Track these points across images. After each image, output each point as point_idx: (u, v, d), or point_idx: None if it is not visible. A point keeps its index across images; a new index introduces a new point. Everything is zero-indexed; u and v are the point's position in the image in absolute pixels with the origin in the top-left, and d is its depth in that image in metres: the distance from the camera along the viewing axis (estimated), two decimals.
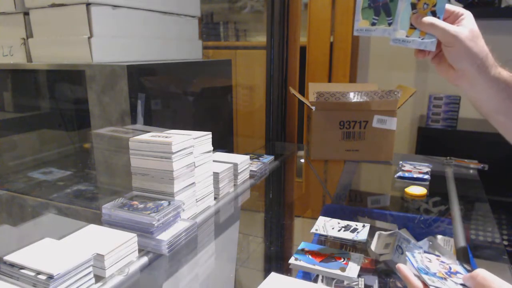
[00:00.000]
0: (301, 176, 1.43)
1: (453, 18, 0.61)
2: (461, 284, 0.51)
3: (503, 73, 0.60)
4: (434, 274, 0.54)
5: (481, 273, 0.46)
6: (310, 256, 0.70)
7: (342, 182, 1.28)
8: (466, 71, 0.60)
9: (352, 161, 1.31)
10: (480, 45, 0.59)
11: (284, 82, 1.66)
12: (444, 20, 0.61)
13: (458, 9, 0.62)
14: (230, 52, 2.38)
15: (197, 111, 1.21)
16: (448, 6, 0.61)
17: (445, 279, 0.53)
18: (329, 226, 0.81)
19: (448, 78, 0.65)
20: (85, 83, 0.93)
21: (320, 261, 0.68)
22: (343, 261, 0.68)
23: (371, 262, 0.71)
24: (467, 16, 0.61)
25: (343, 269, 0.66)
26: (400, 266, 0.53)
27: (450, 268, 0.56)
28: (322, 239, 0.81)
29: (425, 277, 0.52)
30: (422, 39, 0.62)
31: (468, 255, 0.71)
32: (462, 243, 0.76)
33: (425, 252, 0.60)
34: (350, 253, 0.71)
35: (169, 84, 1.09)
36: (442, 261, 0.58)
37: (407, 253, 0.59)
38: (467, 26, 0.59)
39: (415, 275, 0.52)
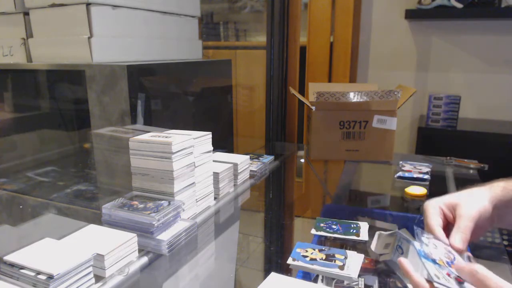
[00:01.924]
0: (301, 176, 1.43)
1: (451, 211, 0.61)
2: (458, 277, 0.51)
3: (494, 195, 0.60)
4: (433, 261, 0.53)
5: (481, 270, 0.46)
6: (307, 259, 0.70)
7: (342, 182, 1.28)
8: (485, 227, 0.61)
9: (352, 161, 1.31)
10: (486, 216, 0.58)
11: (284, 82, 1.66)
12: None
13: (448, 207, 0.61)
14: (230, 52, 2.38)
15: (197, 111, 1.21)
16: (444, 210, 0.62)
17: (442, 267, 0.52)
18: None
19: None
20: (85, 83, 0.93)
21: (320, 261, 0.68)
22: (341, 260, 0.68)
23: (371, 262, 0.71)
24: (462, 213, 0.58)
25: (341, 268, 0.66)
26: (402, 260, 0.52)
27: (454, 258, 0.56)
28: (322, 239, 0.81)
29: (423, 260, 0.51)
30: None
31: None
32: None
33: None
34: (348, 252, 0.71)
35: (169, 84, 1.09)
36: (449, 251, 0.57)
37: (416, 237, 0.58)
38: (464, 216, 0.58)
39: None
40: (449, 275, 0.53)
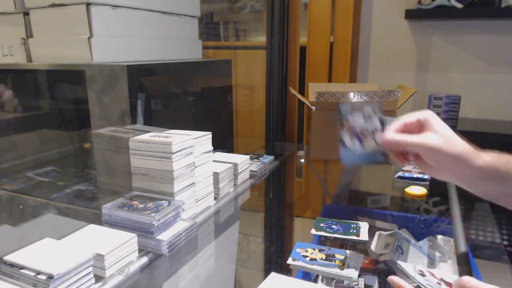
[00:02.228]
0: (301, 176, 1.43)
1: (418, 125, 0.59)
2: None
3: (486, 157, 0.57)
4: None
5: (471, 282, 0.45)
6: (307, 259, 0.70)
7: (342, 182, 1.28)
8: (449, 170, 0.58)
9: None
10: (457, 143, 0.56)
11: (284, 82, 1.66)
12: (410, 130, 0.59)
13: (420, 115, 0.59)
14: (230, 52, 2.38)
15: (197, 111, 1.21)
16: (409, 118, 0.59)
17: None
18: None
19: (433, 175, 0.62)
20: (85, 83, 0.93)
21: (319, 261, 0.68)
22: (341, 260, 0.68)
23: (371, 262, 0.71)
24: (432, 118, 0.58)
25: (341, 267, 0.66)
26: (393, 278, 0.53)
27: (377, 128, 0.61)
28: (322, 239, 0.81)
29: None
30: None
31: (468, 255, 0.71)
32: (462, 243, 0.76)
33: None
34: (348, 252, 0.71)
35: (169, 84, 1.09)
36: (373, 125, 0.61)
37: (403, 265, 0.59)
38: (436, 130, 0.57)
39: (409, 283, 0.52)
40: (433, 274, 0.54)
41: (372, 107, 0.64)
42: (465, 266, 0.62)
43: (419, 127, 0.59)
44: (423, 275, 0.58)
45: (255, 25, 2.82)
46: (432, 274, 0.59)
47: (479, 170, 0.56)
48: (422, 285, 0.53)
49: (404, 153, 0.62)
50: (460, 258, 0.67)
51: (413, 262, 0.56)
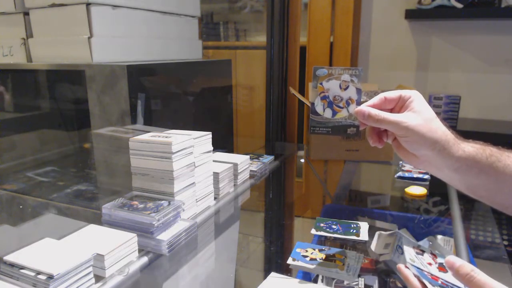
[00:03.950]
0: (301, 176, 1.43)
1: (400, 103, 0.56)
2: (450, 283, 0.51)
3: (467, 148, 0.54)
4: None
5: (479, 275, 0.42)
6: (307, 259, 0.70)
7: (342, 182, 1.28)
8: (427, 157, 0.55)
9: (352, 161, 1.31)
10: (436, 127, 0.53)
11: (284, 82, 1.66)
12: (392, 109, 0.56)
13: (404, 92, 0.56)
14: (230, 52, 2.38)
15: (197, 111, 1.21)
16: (391, 93, 0.56)
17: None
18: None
19: (411, 164, 0.59)
20: (85, 83, 0.93)
21: (320, 261, 0.68)
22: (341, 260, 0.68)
23: (371, 262, 0.71)
24: (416, 98, 0.55)
25: (341, 268, 0.66)
26: (401, 266, 0.53)
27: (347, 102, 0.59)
28: (322, 239, 0.81)
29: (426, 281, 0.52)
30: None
31: (468, 255, 0.71)
32: (462, 243, 0.76)
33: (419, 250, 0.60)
34: (348, 252, 0.71)
35: (169, 84, 1.09)
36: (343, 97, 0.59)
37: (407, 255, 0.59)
38: (417, 110, 0.53)
39: (414, 275, 0.52)
40: (430, 264, 0.54)
41: (351, 75, 0.61)
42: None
43: (401, 106, 0.56)
44: (420, 254, 0.58)
45: (255, 25, 2.82)
46: (435, 257, 0.59)
47: (458, 160, 0.53)
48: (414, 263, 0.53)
49: (379, 133, 0.59)
50: (460, 258, 0.68)
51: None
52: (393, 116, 0.53)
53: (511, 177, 0.52)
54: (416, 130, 0.52)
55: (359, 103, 0.60)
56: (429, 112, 0.54)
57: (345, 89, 0.60)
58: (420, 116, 0.53)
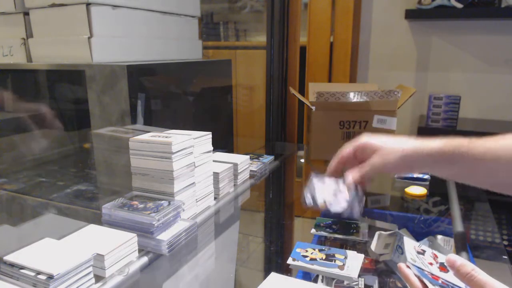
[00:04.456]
0: (301, 176, 1.43)
1: (360, 152, 0.66)
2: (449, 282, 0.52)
3: (434, 145, 0.59)
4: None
5: (479, 274, 0.43)
6: (307, 259, 0.70)
7: None
8: (407, 169, 0.63)
9: None
10: (395, 151, 0.61)
11: (284, 82, 1.66)
12: (352, 158, 0.67)
13: (355, 142, 0.66)
14: (230, 52, 2.38)
15: (197, 111, 1.21)
16: (344, 149, 0.66)
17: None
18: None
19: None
20: (85, 83, 0.93)
21: (319, 261, 0.68)
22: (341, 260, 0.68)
23: (371, 262, 0.71)
24: (368, 141, 0.65)
25: (341, 268, 0.66)
26: (402, 265, 0.53)
27: (340, 191, 0.65)
28: (322, 239, 0.81)
29: (426, 281, 0.52)
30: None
31: (468, 255, 0.71)
32: (462, 243, 0.76)
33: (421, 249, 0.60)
34: (348, 252, 0.71)
35: (169, 84, 1.09)
36: (336, 187, 0.65)
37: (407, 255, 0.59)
38: (376, 149, 0.63)
39: (415, 275, 0.52)
40: (431, 264, 0.54)
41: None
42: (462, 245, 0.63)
43: (362, 153, 0.65)
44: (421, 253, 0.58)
45: (255, 25, 2.82)
46: (436, 256, 0.59)
47: (428, 157, 0.59)
48: (413, 262, 0.54)
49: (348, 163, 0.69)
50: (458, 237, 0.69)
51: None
52: (365, 167, 0.65)
53: (481, 160, 0.57)
54: (385, 165, 0.62)
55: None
56: (388, 142, 0.63)
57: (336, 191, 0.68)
58: (382, 153, 0.62)
